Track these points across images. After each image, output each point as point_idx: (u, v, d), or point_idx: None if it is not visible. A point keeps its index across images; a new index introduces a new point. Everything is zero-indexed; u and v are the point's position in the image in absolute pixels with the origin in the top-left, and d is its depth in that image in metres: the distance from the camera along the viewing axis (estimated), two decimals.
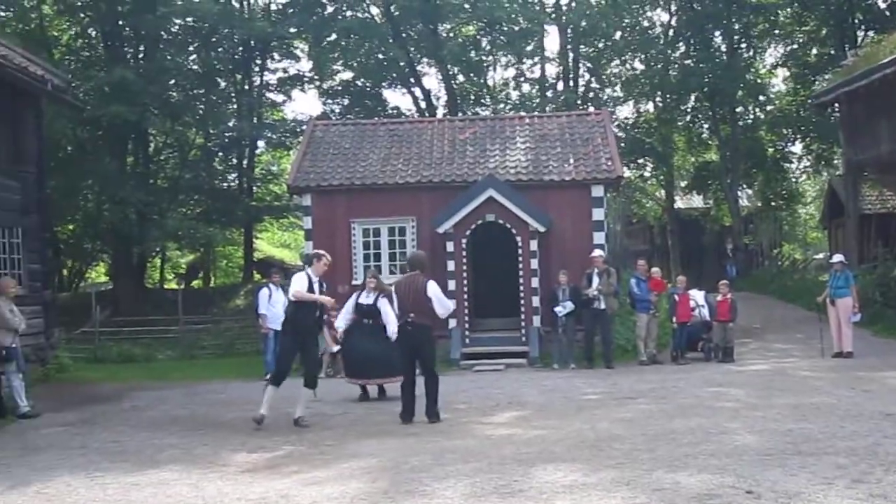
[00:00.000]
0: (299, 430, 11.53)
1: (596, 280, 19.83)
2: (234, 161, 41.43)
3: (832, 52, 40.51)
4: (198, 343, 27.92)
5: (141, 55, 36.09)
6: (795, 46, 44.43)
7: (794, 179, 50.09)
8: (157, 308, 33.22)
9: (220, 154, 40.82)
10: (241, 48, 38.86)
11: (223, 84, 40.03)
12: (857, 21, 40.11)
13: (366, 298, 14.55)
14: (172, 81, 35.96)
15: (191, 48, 37.60)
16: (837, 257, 20.70)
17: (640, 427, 10.59)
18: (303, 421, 11.88)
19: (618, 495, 7.19)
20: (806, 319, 25.15)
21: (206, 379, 19.82)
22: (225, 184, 41.80)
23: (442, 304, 12.14)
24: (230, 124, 37.91)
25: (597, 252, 20.69)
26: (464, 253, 21.44)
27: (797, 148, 46.94)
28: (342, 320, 14.88)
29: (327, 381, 17.53)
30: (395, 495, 7.55)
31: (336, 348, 19.59)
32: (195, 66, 37.59)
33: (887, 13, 37.69)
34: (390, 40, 38.97)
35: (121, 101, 30.44)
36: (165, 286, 45.38)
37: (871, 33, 38.47)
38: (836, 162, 42.23)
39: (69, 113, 28.78)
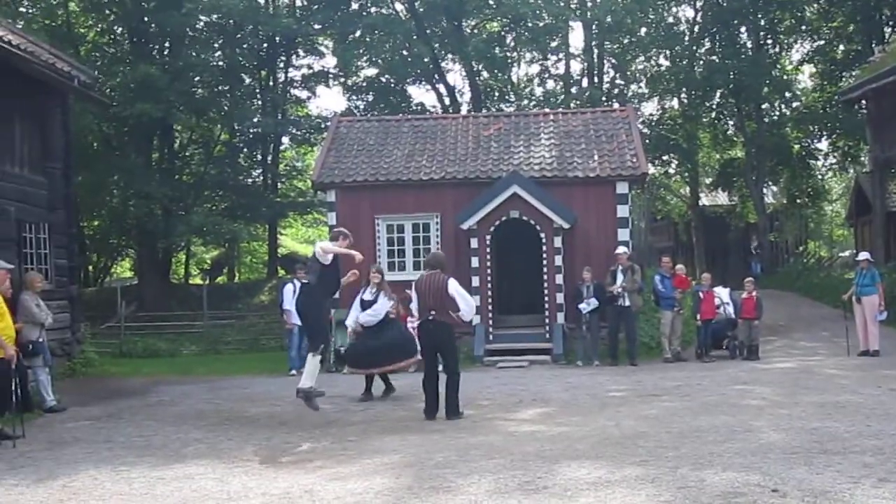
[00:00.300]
0: (324, 426, 11.54)
1: (620, 277, 19.82)
2: (259, 157, 41.58)
3: (859, 48, 40.22)
4: (222, 338, 28.06)
5: (166, 52, 36.26)
6: (822, 42, 44.08)
7: (819, 176, 49.72)
8: (182, 303, 33.43)
9: (245, 150, 40.98)
10: (265, 45, 38.95)
11: (248, 80, 40.16)
12: (884, 17, 39.77)
13: (369, 295, 14.55)
14: (197, 78, 36.12)
15: (216, 45, 37.71)
16: (864, 255, 20.57)
17: (664, 424, 10.56)
18: (313, 392, 11.60)
19: (642, 493, 7.17)
20: (832, 317, 25.01)
21: (231, 374, 19.94)
22: (249, 180, 41.98)
23: (466, 302, 12.15)
24: (255, 120, 38.03)
25: (621, 249, 20.68)
26: (488, 249, 21.46)
27: (823, 145, 46.60)
28: (351, 319, 14.82)
29: (348, 376, 17.61)
30: (419, 491, 7.56)
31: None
32: (220, 63, 37.71)
33: None
34: (415, 36, 38.98)
35: (146, 98, 30.63)
36: (190, 282, 45.67)
37: None
38: (862, 159, 41.94)
39: (95, 109, 28.97)
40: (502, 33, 41.60)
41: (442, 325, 12.08)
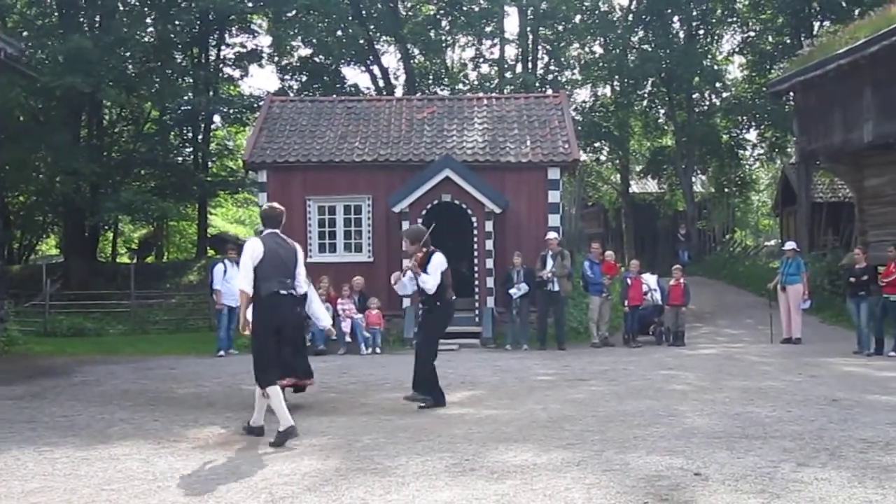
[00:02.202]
0: (251, 407, 11.43)
1: (550, 262, 19.96)
2: (190, 135, 41.06)
3: (788, 40, 40.81)
4: (150, 318, 27.78)
5: (97, 25, 35.58)
6: (752, 34, 44.68)
7: (747, 167, 50.46)
8: (109, 282, 33.00)
9: (176, 128, 40.44)
10: (198, 21, 38.42)
11: (180, 58, 39.61)
12: (813, 11, 40.37)
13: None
14: (128, 53, 35.50)
15: (148, 20, 37.12)
16: (790, 244, 21.01)
17: (591, 408, 10.67)
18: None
19: (568, 476, 7.25)
20: (756, 305, 25.47)
21: (158, 354, 19.74)
22: (180, 158, 41.42)
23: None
24: (186, 98, 37.53)
25: (552, 234, 20.84)
26: None
27: (752, 135, 47.28)
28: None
29: None
30: (346, 473, 7.56)
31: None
32: (152, 39, 37.12)
33: (843, 4, 37.98)
34: (350, 17, 38.78)
35: (76, 72, 30.04)
36: (118, 260, 45.02)
37: (826, 24, 38.82)
38: (789, 150, 42.63)
39: (23, 82, 28.36)
40: (437, 16, 41.54)
41: None
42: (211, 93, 38.98)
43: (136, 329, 26.38)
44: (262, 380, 9.26)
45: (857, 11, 33.89)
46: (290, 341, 10.31)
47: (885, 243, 19.52)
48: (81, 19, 35.40)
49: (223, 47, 41.70)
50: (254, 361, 9.37)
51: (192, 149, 41.50)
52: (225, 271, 19.45)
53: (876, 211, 24.52)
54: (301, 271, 9.60)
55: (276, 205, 9.89)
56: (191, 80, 39.11)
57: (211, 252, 40.64)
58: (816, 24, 40.23)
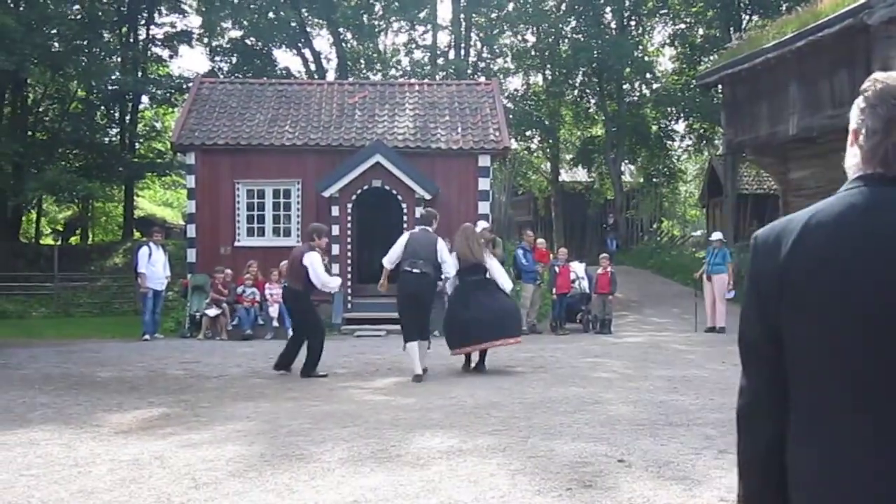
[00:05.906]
0: (176, 392, 11.36)
1: None
2: (117, 116, 40.43)
3: (718, 34, 41.29)
4: (74, 300, 27.35)
5: (22, 2, 34.83)
6: (683, 26, 45.16)
7: (676, 157, 51.04)
8: (32, 264, 32.38)
9: (102, 108, 39.78)
10: (127, 0, 37.82)
11: (108, 36, 38.93)
12: (743, 5, 40.93)
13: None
14: (54, 31, 34.79)
15: None
16: (717, 235, 21.30)
17: (517, 395, 10.73)
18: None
19: (493, 462, 7.28)
20: (682, 294, 25.78)
21: (82, 337, 19.45)
22: (106, 138, 40.77)
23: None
24: (113, 78, 36.91)
25: (483, 223, 20.85)
26: (349, 218, 21.41)
27: (680, 127, 47.77)
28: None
29: (204, 342, 17.40)
30: (271, 459, 7.51)
31: (214, 312, 19.46)
32: (79, 16, 36.43)
33: None
34: (282, 0, 38.43)
35: None
36: (41, 242, 44.19)
37: (755, 18, 39.37)
38: (716, 142, 43.18)
39: None
40: (370, 1, 41.34)
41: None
42: (139, 73, 38.43)
43: (60, 312, 25.97)
44: (404, 336, 12.70)
45: (784, 7, 34.40)
46: (425, 308, 13.04)
47: None
48: None
49: (152, 27, 41.05)
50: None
51: (118, 129, 40.86)
52: (150, 254, 19.17)
53: (799, 203, 24.91)
54: (444, 258, 12.70)
55: (431, 209, 13.72)
56: (119, 60, 38.49)
57: (137, 234, 40.07)
58: (745, 18, 40.77)
